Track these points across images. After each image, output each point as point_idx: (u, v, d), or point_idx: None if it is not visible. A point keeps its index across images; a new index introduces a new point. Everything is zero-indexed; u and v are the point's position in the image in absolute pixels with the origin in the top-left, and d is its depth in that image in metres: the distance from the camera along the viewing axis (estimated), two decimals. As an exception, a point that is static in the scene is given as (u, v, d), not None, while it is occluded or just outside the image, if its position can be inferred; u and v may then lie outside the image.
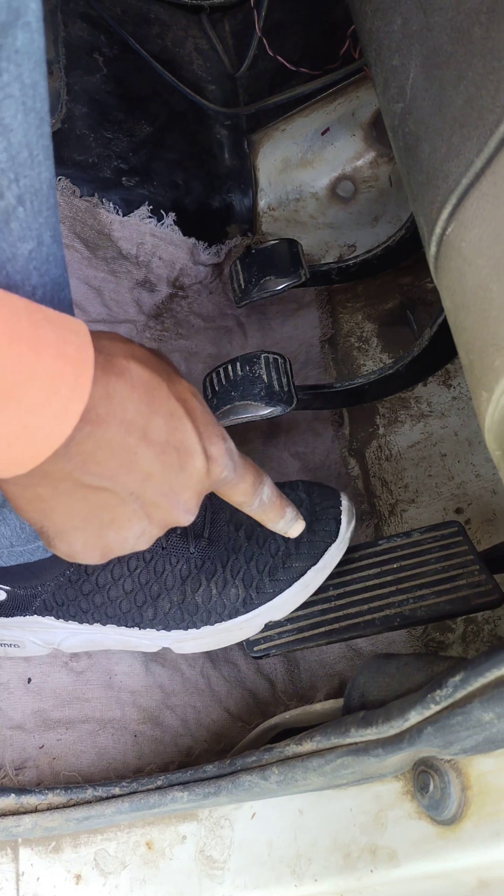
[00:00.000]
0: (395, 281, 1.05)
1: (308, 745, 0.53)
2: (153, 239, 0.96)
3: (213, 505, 0.71)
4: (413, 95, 0.50)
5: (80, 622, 0.69)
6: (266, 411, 0.77)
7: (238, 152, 1.05)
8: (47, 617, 0.69)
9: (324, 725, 0.53)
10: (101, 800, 0.60)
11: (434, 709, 0.45)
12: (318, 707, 0.62)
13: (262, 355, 0.79)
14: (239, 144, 1.06)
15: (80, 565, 0.67)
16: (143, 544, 0.47)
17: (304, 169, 1.03)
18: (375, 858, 0.52)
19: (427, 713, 0.46)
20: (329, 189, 1.03)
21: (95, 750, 0.72)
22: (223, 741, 0.75)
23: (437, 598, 0.64)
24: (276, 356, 0.79)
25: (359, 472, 0.95)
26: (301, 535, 0.67)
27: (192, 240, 0.99)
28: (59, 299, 0.46)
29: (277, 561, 0.67)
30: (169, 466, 0.43)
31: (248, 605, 0.67)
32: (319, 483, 0.73)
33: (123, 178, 0.96)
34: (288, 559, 0.67)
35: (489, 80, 0.43)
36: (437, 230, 0.48)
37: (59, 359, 0.36)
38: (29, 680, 0.74)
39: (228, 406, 0.77)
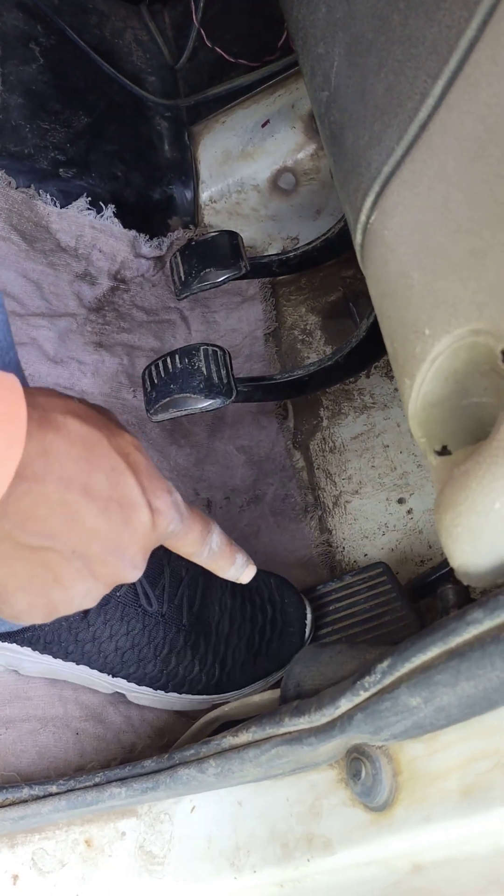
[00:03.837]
0: (337, 274, 1.05)
1: (244, 737, 0.53)
2: (92, 231, 0.95)
3: (206, 580, 0.73)
4: (337, 83, 0.50)
5: (56, 657, 0.69)
6: (205, 404, 0.77)
7: (178, 144, 1.05)
8: (25, 648, 0.68)
9: (259, 716, 0.53)
10: (37, 798, 0.59)
11: (363, 695, 0.45)
12: (257, 699, 0.62)
13: (201, 347, 0.78)
14: (179, 136, 1.05)
15: (86, 615, 0.67)
16: (89, 602, 0.45)
17: (245, 161, 1.02)
18: (312, 847, 0.52)
19: (357, 700, 0.46)
20: (270, 181, 1.03)
21: (36, 749, 0.71)
22: (167, 736, 0.74)
23: (365, 636, 0.71)
24: (215, 348, 0.79)
25: (303, 464, 0.95)
26: (272, 639, 0.72)
27: (133, 232, 0.98)
28: (3, 363, 0.46)
29: (250, 657, 0.72)
30: (113, 522, 0.42)
31: (218, 689, 0.71)
32: (288, 583, 0.76)
33: (61, 170, 0.95)
34: (258, 658, 0.72)
35: (407, 67, 0.43)
36: (362, 218, 0.48)
37: None
38: (-33, 680, 0.72)
39: (167, 399, 0.77)
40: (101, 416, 0.43)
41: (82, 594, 0.44)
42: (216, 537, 0.51)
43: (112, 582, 0.45)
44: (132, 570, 0.45)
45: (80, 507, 0.40)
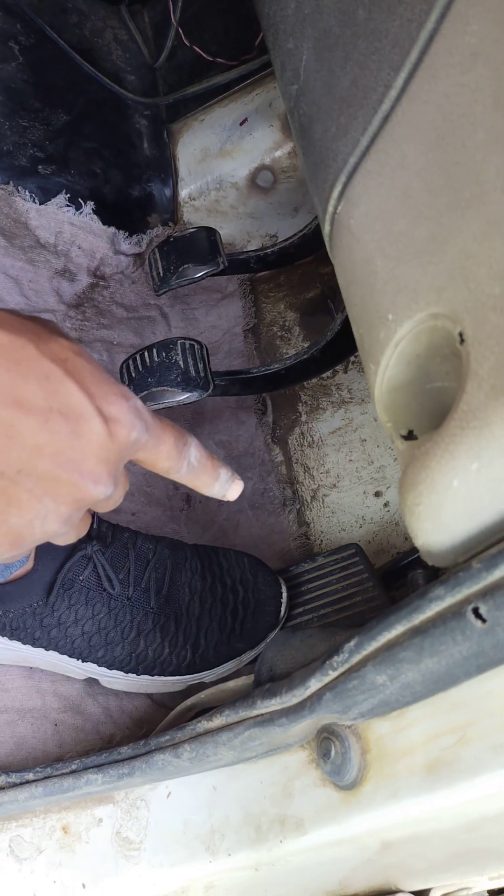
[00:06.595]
0: (316, 270, 1.07)
1: (218, 721, 0.54)
2: (72, 228, 0.95)
3: (174, 563, 0.73)
4: (306, 77, 0.51)
5: (25, 643, 0.69)
6: (183, 397, 0.77)
7: (157, 142, 1.05)
8: None
9: (233, 700, 0.53)
10: (14, 786, 0.60)
11: (332, 675, 0.46)
12: (232, 685, 0.63)
13: (179, 341, 0.79)
14: (158, 134, 1.06)
15: (47, 600, 0.67)
16: (56, 525, 0.42)
17: (223, 159, 1.03)
18: (284, 829, 0.53)
19: (326, 679, 0.47)
20: (249, 179, 1.03)
21: (14, 740, 0.71)
22: (146, 726, 0.75)
23: (337, 616, 0.71)
24: (192, 342, 0.80)
25: (282, 458, 0.96)
26: (245, 619, 0.72)
27: (113, 229, 0.99)
28: None
29: (224, 637, 0.72)
30: (58, 434, 0.39)
31: (190, 669, 0.72)
32: (262, 563, 0.77)
33: (40, 167, 0.95)
34: (232, 637, 0.72)
35: (372, 60, 0.44)
36: (330, 209, 0.49)
37: None
38: None
39: (145, 392, 0.77)
40: (27, 321, 0.40)
41: (42, 516, 0.41)
42: (194, 450, 0.47)
43: (76, 500, 0.42)
44: (94, 485, 0.41)
45: (17, 421, 0.38)
